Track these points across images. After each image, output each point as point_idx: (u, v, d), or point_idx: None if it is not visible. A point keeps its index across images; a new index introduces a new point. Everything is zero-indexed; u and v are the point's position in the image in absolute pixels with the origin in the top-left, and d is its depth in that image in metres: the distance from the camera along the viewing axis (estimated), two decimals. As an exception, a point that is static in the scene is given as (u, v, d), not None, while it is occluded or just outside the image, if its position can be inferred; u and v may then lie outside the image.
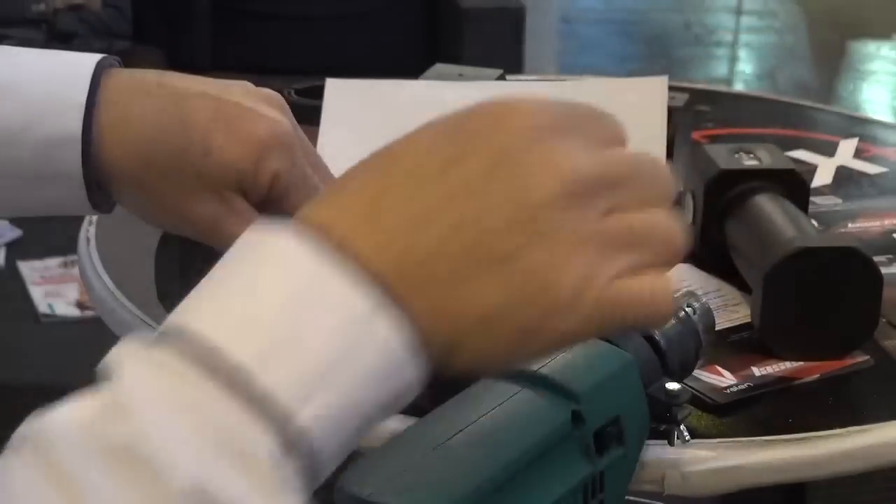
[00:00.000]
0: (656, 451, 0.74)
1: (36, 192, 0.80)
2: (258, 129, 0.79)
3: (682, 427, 0.71)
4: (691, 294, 0.76)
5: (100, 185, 0.79)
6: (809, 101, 1.47)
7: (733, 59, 5.12)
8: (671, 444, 0.71)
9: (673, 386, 0.70)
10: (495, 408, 0.61)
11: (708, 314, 0.76)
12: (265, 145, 0.78)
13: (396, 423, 0.71)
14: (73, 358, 1.98)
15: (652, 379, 0.70)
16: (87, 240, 1.00)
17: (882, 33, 5.28)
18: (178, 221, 0.79)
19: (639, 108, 1.12)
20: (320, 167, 0.84)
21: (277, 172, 0.79)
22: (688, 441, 0.72)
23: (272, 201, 0.80)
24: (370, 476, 0.55)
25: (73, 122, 0.77)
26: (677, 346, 0.73)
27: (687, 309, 0.75)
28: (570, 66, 4.48)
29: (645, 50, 5.12)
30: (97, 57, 0.79)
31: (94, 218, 1.04)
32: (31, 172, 0.80)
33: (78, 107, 0.78)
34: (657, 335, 0.72)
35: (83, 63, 0.79)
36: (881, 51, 5.14)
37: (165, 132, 0.78)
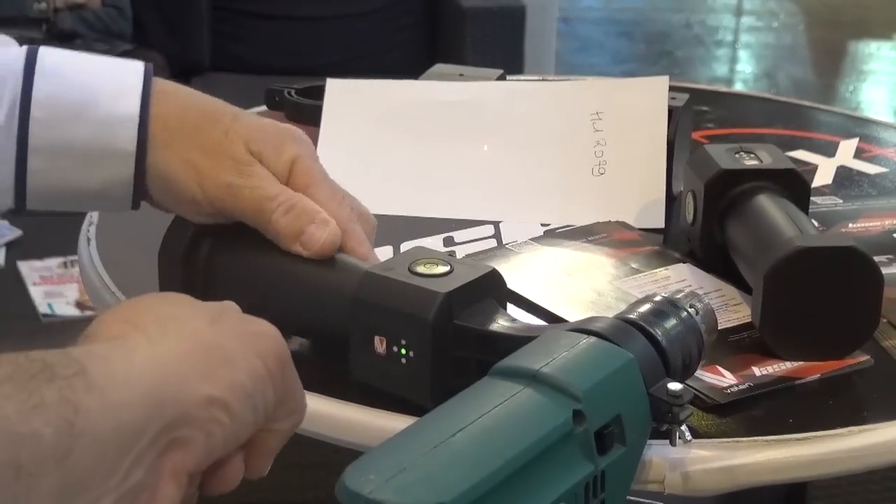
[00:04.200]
0: (657, 451, 0.74)
1: (88, 173, 0.84)
2: (278, 124, 0.87)
3: (683, 427, 0.71)
4: (694, 294, 0.76)
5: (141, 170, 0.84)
6: (809, 101, 1.47)
7: (733, 59, 5.12)
8: (673, 444, 0.71)
9: (675, 386, 0.70)
10: (496, 406, 0.61)
11: (710, 315, 0.76)
12: (288, 131, 0.86)
13: (398, 422, 0.71)
14: (73, 358, 1.98)
15: (654, 379, 0.70)
16: (88, 240, 1.00)
17: (882, 33, 5.28)
18: (204, 177, 0.83)
19: (639, 108, 1.12)
20: None
21: (299, 155, 0.84)
22: (689, 441, 0.72)
23: (295, 190, 0.84)
24: (371, 473, 0.55)
25: (132, 102, 0.84)
26: (679, 346, 0.73)
27: (689, 309, 0.75)
28: (570, 66, 4.48)
29: (645, 50, 5.12)
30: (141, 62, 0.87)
31: (95, 218, 1.04)
32: (87, 151, 0.84)
33: (135, 88, 0.84)
34: (659, 335, 0.72)
35: (131, 61, 0.87)
36: (881, 51, 5.14)
37: (201, 102, 0.86)
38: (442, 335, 0.75)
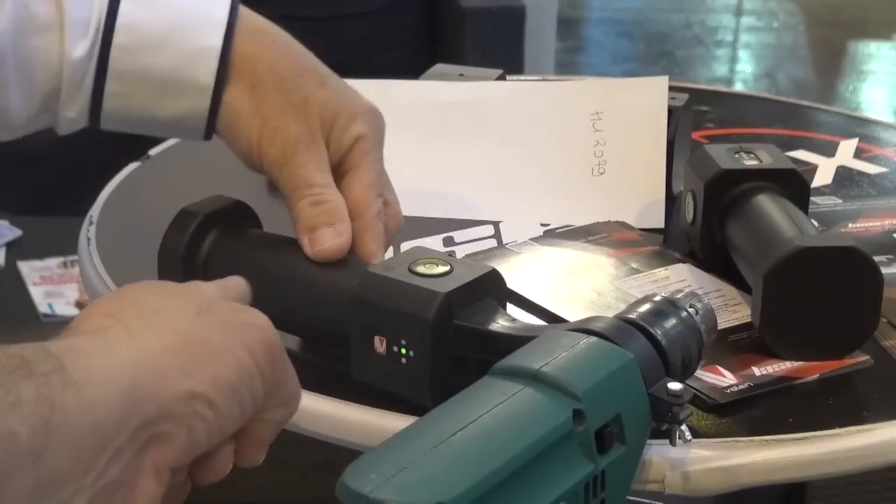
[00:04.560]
0: (657, 451, 0.74)
1: (163, 103, 0.85)
2: (360, 98, 0.87)
3: (683, 427, 0.71)
4: (693, 294, 0.76)
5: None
6: (809, 101, 1.47)
7: (733, 59, 5.12)
8: (673, 444, 0.71)
9: (675, 386, 0.70)
10: (496, 406, 0.61)
11: (710, 315, 0.76)
12: (364, 107, 0.87)
13: (398, 422, 0.71)
14: (73, 358, 1.98)
15: (654, 379, 0.70)
16: (88, 240, 1.00)
17: (882, 33, 5.28)
18: (267, 136, 0.84)
19: (639, 108, 1.12)
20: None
21: (363, 135, 0.85)
22: (689, 441, 0.72)
23: (344, 168, 0.85)
24: (372, 472, 0.55)
25: (215, 37, 0.84)
26: (679, 346, 0.73)
27: (689, 309, 0.75)
28: (570, 66, 4.48)
29: (645, 50, 5.12)
30: None
31: (95, 218, 1.04)
32: (164, 82, 0.84)
33: (220, 21, 0.84)
34: (659, 335, 0.72)
35: None
36: (881, 51, 5.14)
37: (294, 54, 0.86)
38: (442, 335, 0.75)
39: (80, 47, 0.83)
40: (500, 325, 0.76)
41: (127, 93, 0.84)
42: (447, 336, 0.75)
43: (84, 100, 0.85)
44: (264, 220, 0.88)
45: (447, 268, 0.77)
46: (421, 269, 0.77)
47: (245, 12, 0.86)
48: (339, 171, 0.85)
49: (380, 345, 0.76)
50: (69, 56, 0.83)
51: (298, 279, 0.81)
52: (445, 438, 0.58)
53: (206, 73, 0.83)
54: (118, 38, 0.83)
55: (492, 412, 0.61)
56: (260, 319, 0.62)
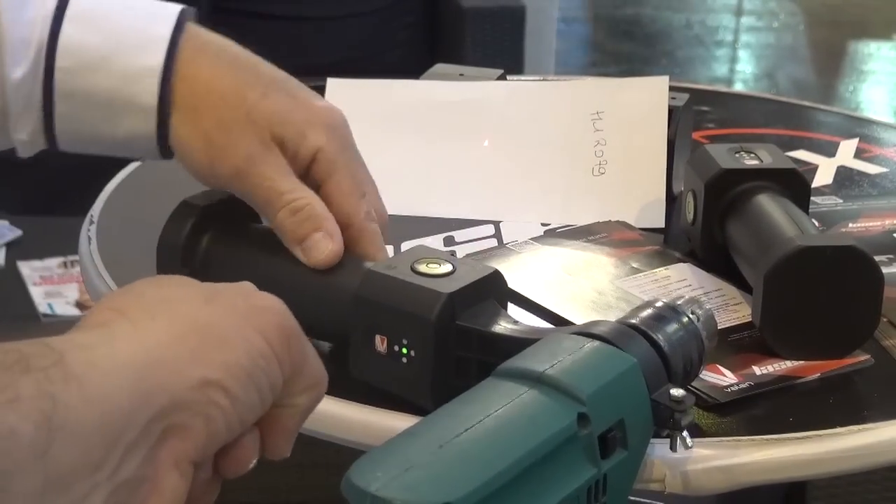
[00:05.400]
0: (658, 450, 0.74)
1: (111, 123, 0.83)
2: (316, 102, 0.85)
3: (685, 433, 0.71)
4: (694, 300, 0.76)
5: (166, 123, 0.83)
6: (809, 102, 1.47)
7: (733, 59, 5.12)
8: (674, 450, 0.71)
9: (677, 392, 0.70)
10: (502, 407, 0.61)
11: (711, 321, 0.76)
12: (319, 116, 0.83)
13: (403, 422, 0.71)
14: (73, 358, 1.98)
15: (656, 384, 0.70)
16: (89, 239, 1.00)
17: (882, 33, 5.28)
18: (216, 156, 0.82)
19: (640, 108, 1.12)
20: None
21: (321, 146, 0.82)
22: (690, 447, 0.72)
23: (313, 179, 0.83)
24: (378, 471, 0.55)
25: (157, 56, 0.82)
26: (681, 351, 0.73)
27: (691, 315, 0.75)
28: (570, 66, 4.48)
29: (645, 50, 5.12)
30: (178, 5, 0.85)
31: (96, 217, 1.04)
32: (108, 102, 0.83)
33: (162, 40, 0.82)
34: (661, 340, 0.72)
35: (166, 5, 0.84)
36: (881, 51, 5.14)
37: (236, 69, 0.83)
38: (444, 335, 0.75)
39: (21, 68, 0.82)
40: (502, 326, 0.76)
41: (76, 114, 0.83)
42: (449, 337, 0.75)
43: (35, 122, 0.84)
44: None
45: (450, 268, 0.77)
46: (423, 268, 0.77)
47: (190, 29, 0.84)
48: (309, 183, 0.83)
49: (381, 344, 0.76)
50: (10, 77, 0.82)
51: (299, 277, 0.81)
52: (451, 438, 0.58)
53: (148, 92, 0.82)
54: (60, 61, 0.82)
55: (497, 413, 0.61)
56: (273, 302, 0.60)
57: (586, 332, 0.70)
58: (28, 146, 0.85)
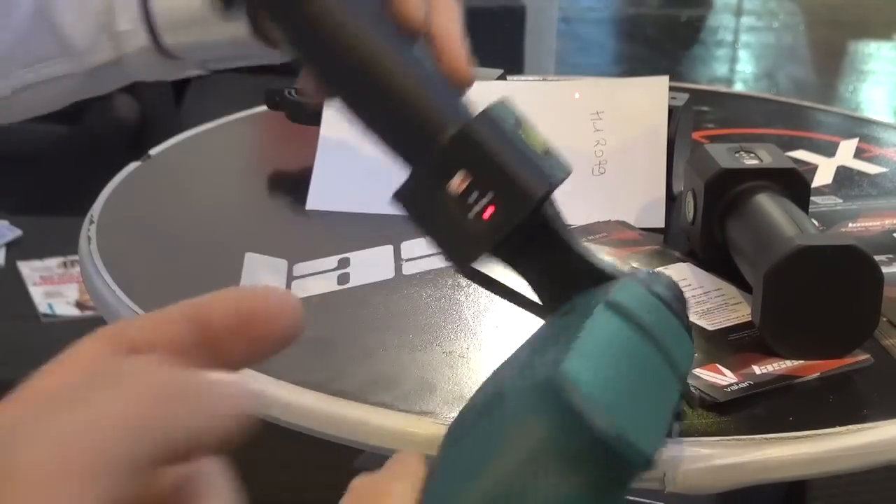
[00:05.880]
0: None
1: None
2: None
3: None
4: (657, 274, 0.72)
5: None
6: (809, 102, 1.47)
7: (733, 59, 5.12)
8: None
9: None
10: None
11: (680, 297, 0.71)
12: None
13: (400, 420, 0.71)
14: (73, 358, 1.98)
15: None
16: (89, 239, 1.00)
17: (882, 33, 5.28)
18: None
19: (640, 107, 1.12)
20: None
21: None
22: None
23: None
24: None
25: None
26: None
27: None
28: (570, 66, 4.49)
29: (645, 50, 5.12)
30: None
31: (95, 217, 1.04)
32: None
33: None
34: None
35: None
36: (881, 51, 5.15)
37: None
38: (534, 216, 0.70)
39: None
40: (579, 246, 0.72)
41: None
42: (535, 221, 0.70)
43: (134, 5, 0.83)
44: (260, 220, 0.88)
45: (548, 149, 0.73)
46: (526, 138, 0.71)
47: None
48: None
49: (459, 183, 0.69)
50: None
51: (411, 63, 0.74)
52: None
53: None
54: None
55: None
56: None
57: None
58: (132, 49, 0.84)
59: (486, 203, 0.68)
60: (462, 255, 0.70)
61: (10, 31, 0.85)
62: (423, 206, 0.70)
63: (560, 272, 0.70)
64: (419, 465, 0.52)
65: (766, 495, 1.46)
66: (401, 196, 0.71)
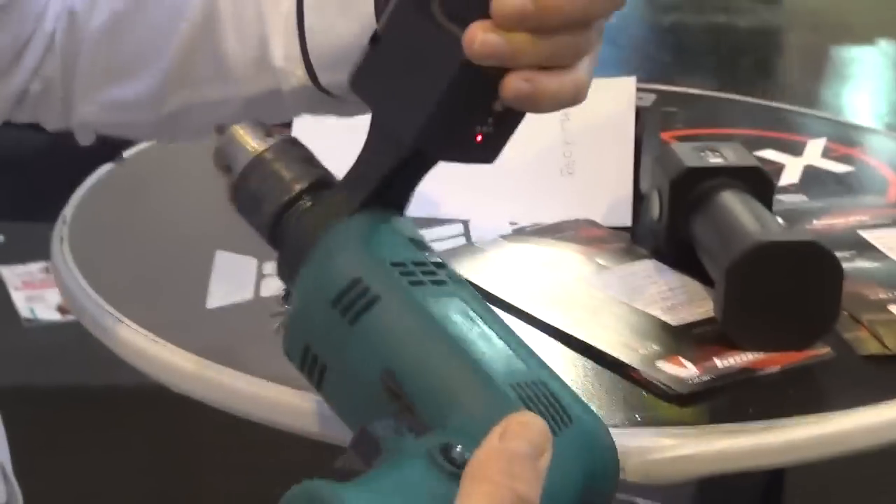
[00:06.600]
0: (619, 439, 0.75)
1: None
2: None
3: None
4: None
5: None
6: (788, 105, 1.48)
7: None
8: None
9: None
10: None
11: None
12: None
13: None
14: (55, 362, 1.99)
15: None
16: (61, 239, 1.01)
17: (865, 38, 5.30)
18: None
19: (607, 108, 1.13)
20: None
21: None
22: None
23: None
24: None
25: None
26: None
27: None
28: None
29: (631, 54, 5.13)
30: None
31: (68, 218, 1.05)
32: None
33: None
34: None
35: None
36: (864, 55, 5.17)
37: None
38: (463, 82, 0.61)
39: None
40: None
41: (320, 4, 0.78)
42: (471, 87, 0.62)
43: (289, 29, 0.79)
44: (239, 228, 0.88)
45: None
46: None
47: None
48: None
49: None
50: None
51: None
52: None
53: None
54: None
55: None
56: None
57: None
58: (290, 77, 0.80)
59: None
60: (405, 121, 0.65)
61: (178, 41, 0.81)
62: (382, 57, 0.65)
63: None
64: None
65: (744, 491, 1.47)
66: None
